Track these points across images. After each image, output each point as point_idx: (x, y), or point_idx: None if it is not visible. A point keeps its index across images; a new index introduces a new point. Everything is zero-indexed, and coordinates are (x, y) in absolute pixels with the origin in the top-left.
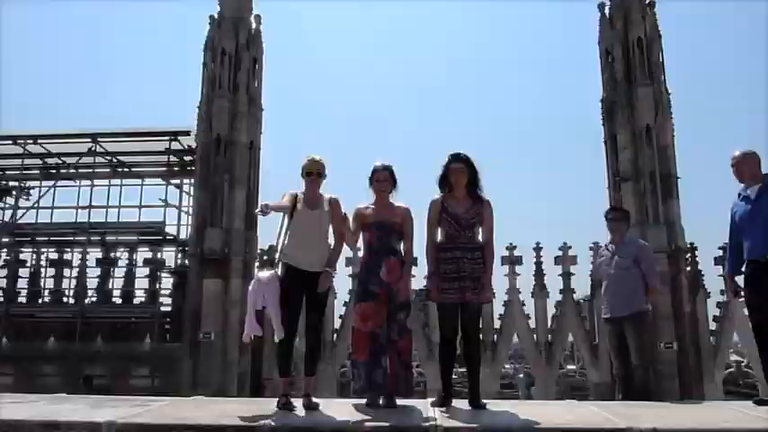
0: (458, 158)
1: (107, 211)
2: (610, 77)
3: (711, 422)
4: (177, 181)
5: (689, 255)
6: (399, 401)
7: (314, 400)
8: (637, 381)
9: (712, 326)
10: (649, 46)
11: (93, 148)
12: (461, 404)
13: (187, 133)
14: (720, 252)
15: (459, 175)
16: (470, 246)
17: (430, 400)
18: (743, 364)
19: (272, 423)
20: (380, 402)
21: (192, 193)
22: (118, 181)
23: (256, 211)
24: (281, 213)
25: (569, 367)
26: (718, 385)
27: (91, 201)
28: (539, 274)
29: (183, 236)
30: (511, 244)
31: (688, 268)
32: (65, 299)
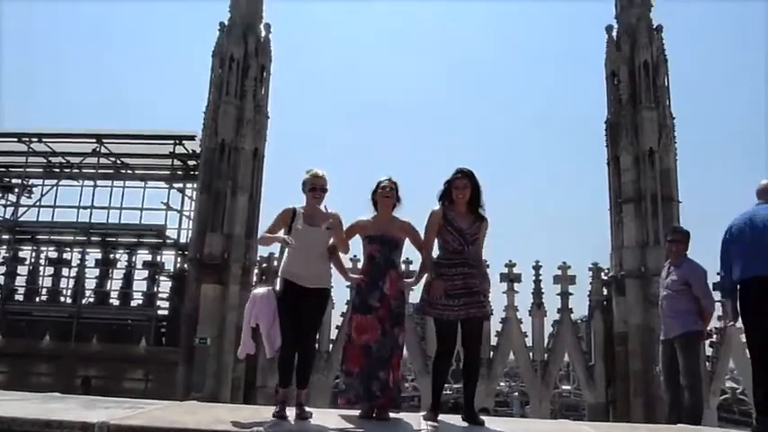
0: (463, 173)
1: (108, 212)
2: (615, 99)
3: None
4: (180, 185)
5: None
6: (392, 415)
7: (306, 409)
8: (686, 402)
9: (709, 351)
10: (655, 69)
11: (97, 149)
12: (455, 419)
13: (192, 138)
14: (718, 278)
15: (464, 191)
16: (474, 262)
17: (422, 413)
18: (738, 390)
19: (263, 431)
20: (373, 415)
21: (194, 197)
22: (121, 182)
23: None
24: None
25: (564, 387)
26: (713, 411)
27: (93, 201)
28: (537, 292)
29: (183, 240)
30: (510, 261)
31: None
32: (62, 298)
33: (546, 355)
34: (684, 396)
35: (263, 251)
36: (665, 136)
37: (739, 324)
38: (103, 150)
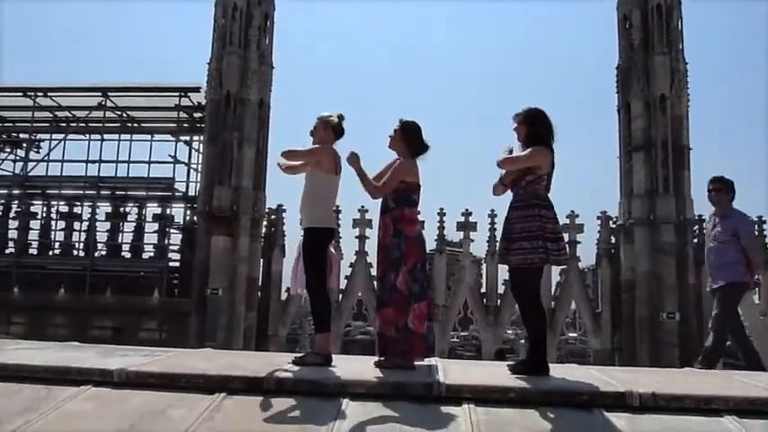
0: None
1: (117, 166)
2: (627, 44)
3: (709, 389)
4: (187, 138)
5: (696, 227)
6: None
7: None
8: (705, 346)
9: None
10: (669, 13)
11: (103, 103)
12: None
13: (197, 90)
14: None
15: (518, 132)
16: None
17: (435, 359)
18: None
19: (279, 375)
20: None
21: (201, 150)
22: (128, 136)
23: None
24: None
25: (571, 334)
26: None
27: (101, 155)
28: None
29: (191, 192)
30: None
31: (695, 240)
32: (75, 251)
33: (553, 303)
34: (712, 339)
35: (271, 203)
36: (677, 82)
37: None
38: (109, 104)
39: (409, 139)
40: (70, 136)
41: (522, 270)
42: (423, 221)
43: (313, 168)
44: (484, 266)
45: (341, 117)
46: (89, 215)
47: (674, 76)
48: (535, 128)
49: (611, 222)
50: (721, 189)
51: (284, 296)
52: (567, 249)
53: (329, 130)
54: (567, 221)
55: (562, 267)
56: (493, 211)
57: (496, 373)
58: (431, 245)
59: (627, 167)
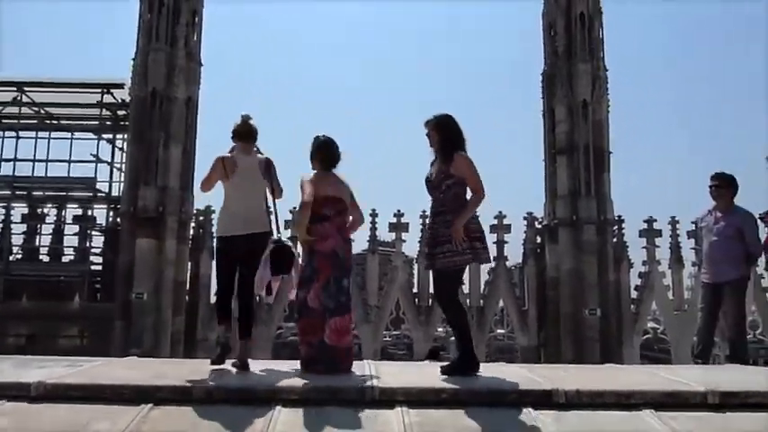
0: (426, 124)
1: (34, 165)
2: (552, 51)
3: (630, 384)
4: (109, 136)
5: (616, 227)
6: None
7: (248, 361)
8: (731, 342)
9: (634, 294)
10: (591, 22)
11: (18, 98)
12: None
13: (121, 86)
14: (645, 225)
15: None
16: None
17: (366, 361)
18: (659, 330)
19: (209, 384)
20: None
21: (125, 148)
22: (46, 134)
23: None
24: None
25: (499, 331)
26: (636, 350)
27: (16, 153)
28: None
29: (115, 193)
30: None
31: (614, 239)
32: None
33: (481, 301)
34: (730, 336)
35: (199, 204)
36: (598, 88)
37: None
38: (25, 99)
39: (320, 155)
40: None
41: (449, 273)
42: (348, 236)
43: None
44: (416, 266)
45: (243, 117)
46: (2, 217)
47: (595, 83)
48: (447, 133)
49: (536, 223)
50: (722, 185)
51: (213, 299)
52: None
53: (235, 137)
54: (496, 222)
55: (490, 266)
56: (424, 212)
57: (429, 375)
58: (363, 245)
59: (551, 170)
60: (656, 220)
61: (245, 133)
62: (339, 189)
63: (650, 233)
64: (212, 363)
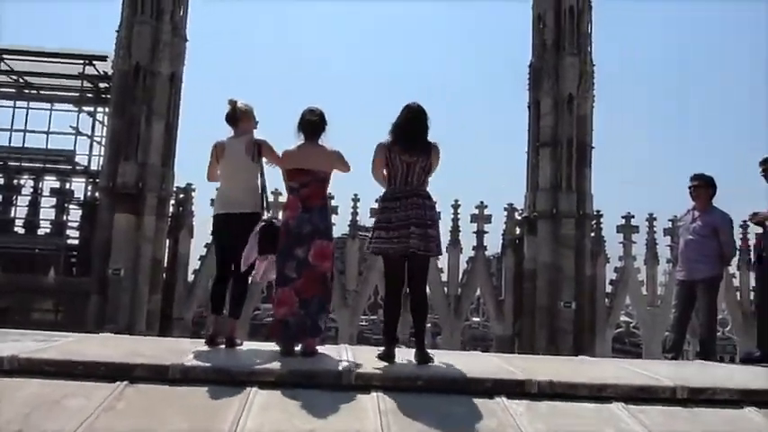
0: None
1: (11, 135)
2: (540, 43)
3: (602, 377)
4: (90, 108)
5: (594, 221)
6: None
7: (236, 339)
8: (701, 339)
9: (608, 288)
10: (580, 16)
11: None
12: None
13: (104, 58)
14: (623, 221)
15: None
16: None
17: (344, 345)
18: (631, 324)
19: (185, 363)
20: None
21: (105, 122)
22: (24, 103)
23: None
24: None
25: (474, 319)
26: (608, 342)
27: None
28: (454, 230)
29: (94, 167)
30: None
31: (592, 234)
32: None
33: (459, 290)
34: (702, 333)
35: (179, 182)
36: (584, 82)
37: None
38: (4, 67)
39: (300, 124)
40: None
41: (430, 259)
42: (316, 205)
43: None
44: None
45: (230, 102)
46: None
47: (581, 77)
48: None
49: (516, 214)
50: (700, 185)
51: (191, 278)
52: None
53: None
54: (476, 212)
55: (469, 255)
56: None
57: (404, 362)
58: (343, 229)
59: (534, 162)
60: (633, 216)
61: (230, 118)
62: (311, 161)
63: (627, 229)
64: (206, 343)
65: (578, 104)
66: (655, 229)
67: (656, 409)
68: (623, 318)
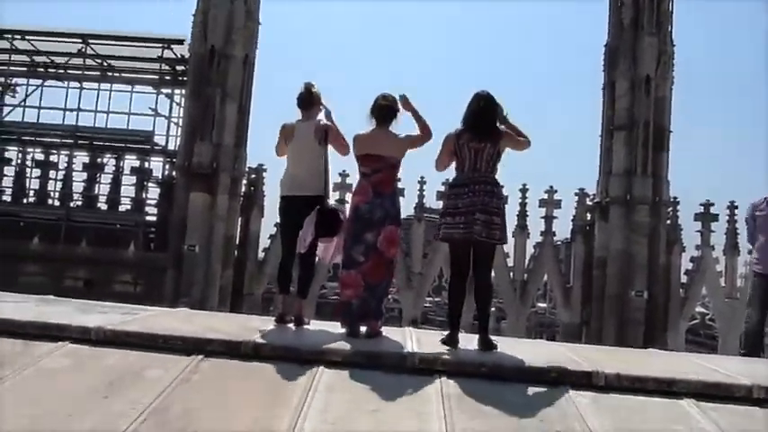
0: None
1: (95, 116)
2: (617, 22)
3: (672, 371)
4: (168, 90)
5: (670, 208)
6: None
7: (305, 319)
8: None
9: (684, 278)
10: None
11: (83, 50)
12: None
13: (181, 42)
14: (701, 209)
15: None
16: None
17: (407, 328)
18: (707, 316)
19: (257, 340)
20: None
21: (182, 104)
22: (107, 85)
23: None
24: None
25: (540, 305)
26: (681, 335)
27: (79, 104)
28: (522, 214)
29: (171, 147)
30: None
31: (668, 221)
32: (50, 201)
33: (525, 275)
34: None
35: (252, 162)
36: (663, 63)
37: None
38: (89, 51)
39: (371, 110)
40: (48, 82)
41: (495, 246)
42: (387, 191)
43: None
44: None
45: (306, 85)
46: (66, 164)
47: (660, 58)
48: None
49: (587, 199)
50: None
51: (261, 256)
52: None
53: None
54: (546, 196)
55: (537, 240)
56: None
57: (469, 347)
58: (409, 212)
59: (607, 146)
60: (713, 204)
61: (301, 101)
62: (383, 147)
63: (706, 217)
64: (276, 321)
65: (656, 86)
66: (736, 217)
67: (729, 407)
68: (699, 309)
